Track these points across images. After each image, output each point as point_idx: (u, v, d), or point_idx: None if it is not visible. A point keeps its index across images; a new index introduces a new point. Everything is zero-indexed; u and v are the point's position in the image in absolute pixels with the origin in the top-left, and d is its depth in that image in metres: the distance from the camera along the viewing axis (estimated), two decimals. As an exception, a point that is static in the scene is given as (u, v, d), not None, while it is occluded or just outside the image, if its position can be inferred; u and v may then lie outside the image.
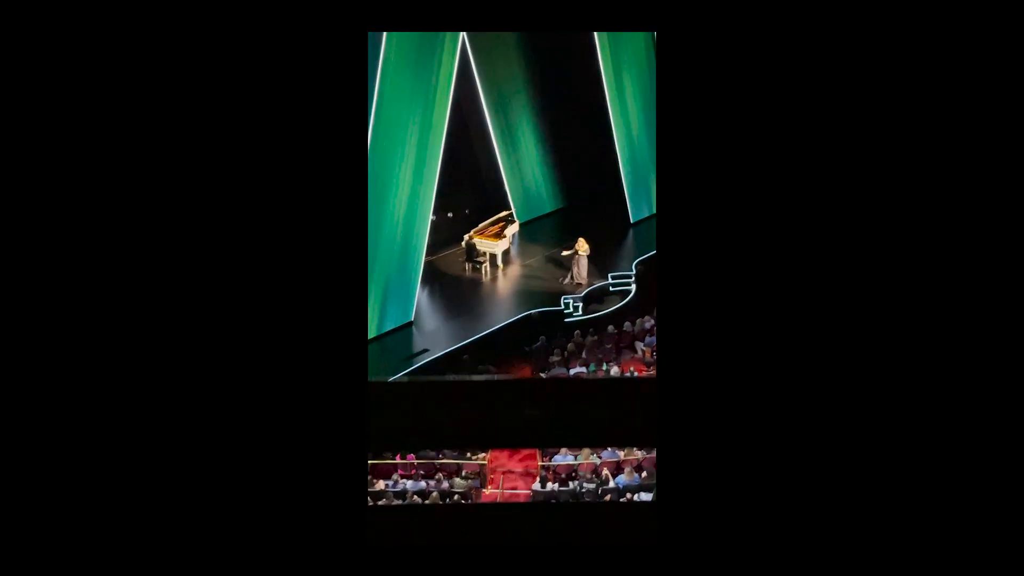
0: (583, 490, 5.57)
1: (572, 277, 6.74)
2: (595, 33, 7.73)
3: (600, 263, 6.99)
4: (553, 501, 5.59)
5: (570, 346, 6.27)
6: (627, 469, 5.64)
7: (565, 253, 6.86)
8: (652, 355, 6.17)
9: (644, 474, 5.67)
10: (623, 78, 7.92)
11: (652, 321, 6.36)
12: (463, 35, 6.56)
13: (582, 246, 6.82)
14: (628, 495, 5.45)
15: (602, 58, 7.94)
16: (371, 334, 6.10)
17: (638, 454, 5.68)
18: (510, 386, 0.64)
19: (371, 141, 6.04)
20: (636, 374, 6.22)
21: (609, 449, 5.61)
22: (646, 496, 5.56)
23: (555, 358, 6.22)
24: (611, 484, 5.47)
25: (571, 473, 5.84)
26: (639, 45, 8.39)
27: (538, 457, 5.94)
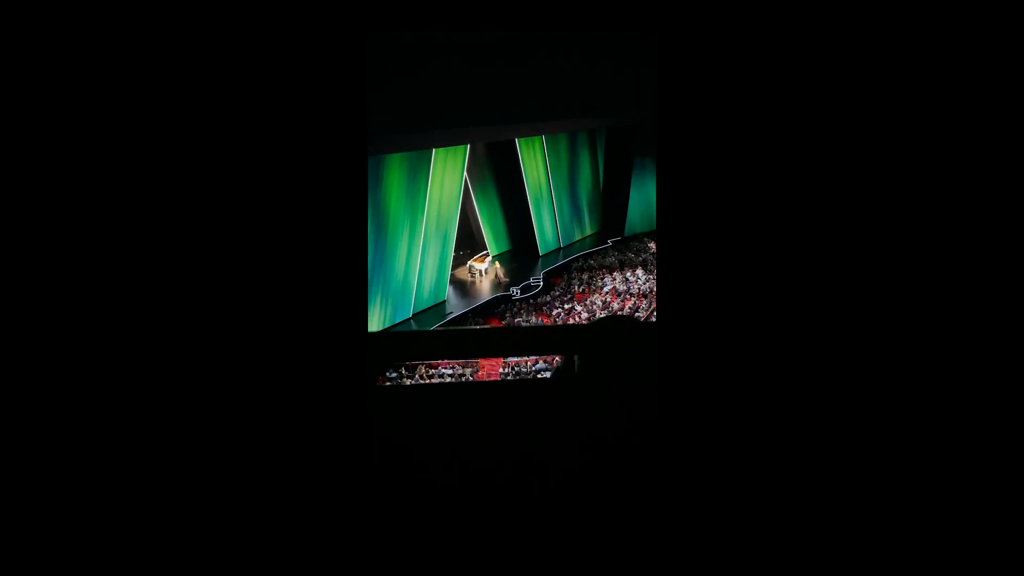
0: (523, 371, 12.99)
1: (486, 277, 13.95)
2: (516, 139, 14.27)
3: (526, 274, 14.62)
4: (510, 379, 12.64)
5: (514, 309, 13.82)
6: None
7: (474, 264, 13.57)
8: (553, 315, 13.88)
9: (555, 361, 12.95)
10: (535, 175, 15.35)
11: (548, 297, 14.06)
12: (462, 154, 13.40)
13: (478, 264, 13.46)
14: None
15: (523, 160, 15.37)
16: (423, 307, 13.12)
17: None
18: (490, 331, 1.26)
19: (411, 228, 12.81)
20: (542, 321, 13.89)
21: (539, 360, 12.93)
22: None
23: (508, 316, 13.76)
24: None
25: (515, 366, 13.25)
26: (552, 145, 15.07)
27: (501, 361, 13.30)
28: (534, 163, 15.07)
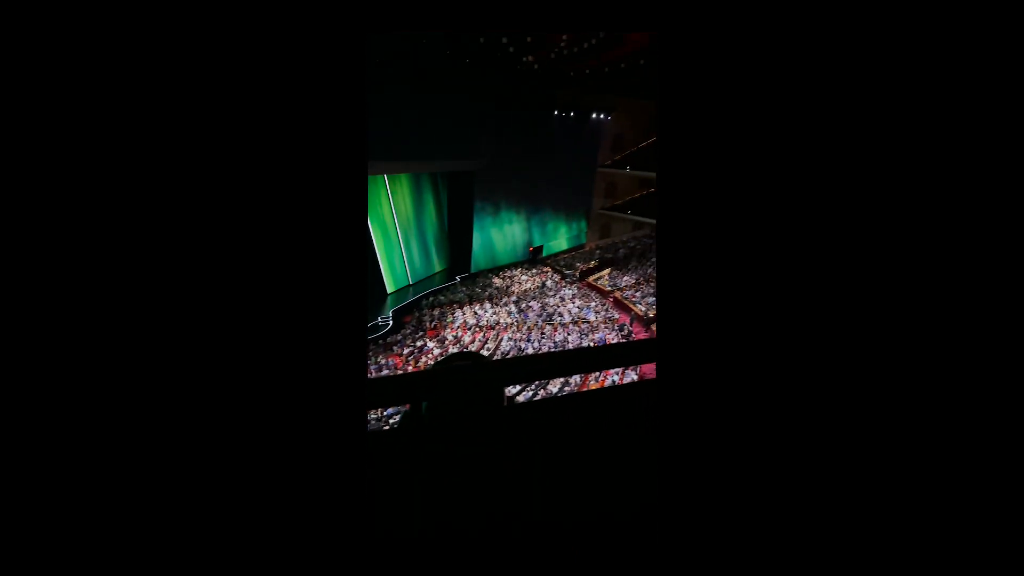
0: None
1: None
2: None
3: (374, 313, 14.04)
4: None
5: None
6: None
7: None
8: (404, 354, 13.50)
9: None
10: (380, 213, 14.89)
11: (399, 336, 13.73)
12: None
13: None
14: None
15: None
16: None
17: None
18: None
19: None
20: (394, 361, 13.41)
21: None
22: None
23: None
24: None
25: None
26: (396, 185, 15.12)
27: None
28: (379, 201, 14.91)
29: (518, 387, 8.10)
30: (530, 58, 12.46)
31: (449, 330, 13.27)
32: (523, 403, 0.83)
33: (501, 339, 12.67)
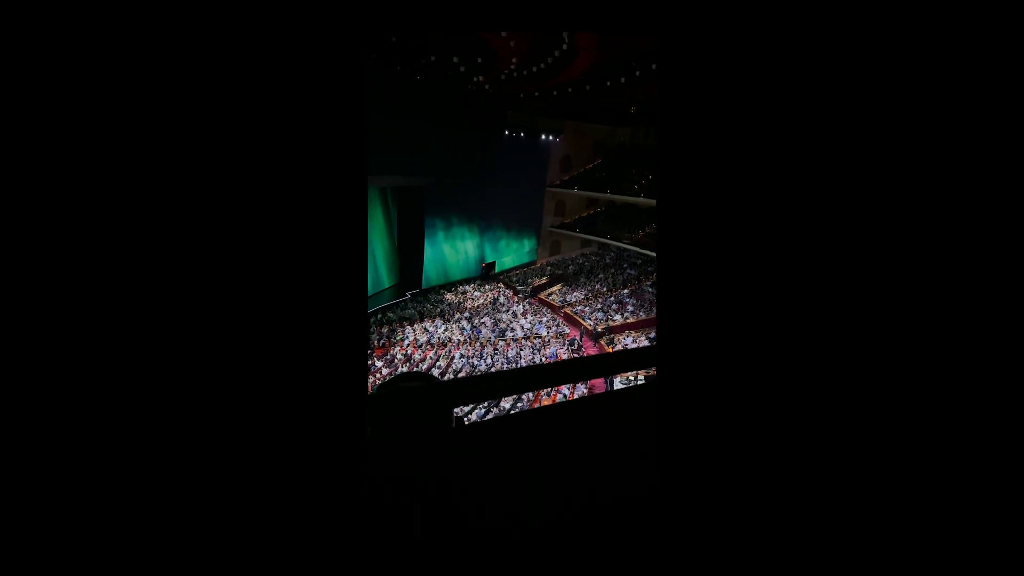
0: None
1: None
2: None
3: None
4: None
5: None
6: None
7: None
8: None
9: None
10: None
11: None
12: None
13: None
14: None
15: None
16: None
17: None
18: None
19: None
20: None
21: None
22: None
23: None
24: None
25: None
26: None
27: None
28: (323, 216, 14.34)
29: (467, 408, 7.93)
30: (481, 79, 12.68)
31: (399, 348, 12.89)
32: (474, 423, 0.80)
33: (453, 356, 12.47)
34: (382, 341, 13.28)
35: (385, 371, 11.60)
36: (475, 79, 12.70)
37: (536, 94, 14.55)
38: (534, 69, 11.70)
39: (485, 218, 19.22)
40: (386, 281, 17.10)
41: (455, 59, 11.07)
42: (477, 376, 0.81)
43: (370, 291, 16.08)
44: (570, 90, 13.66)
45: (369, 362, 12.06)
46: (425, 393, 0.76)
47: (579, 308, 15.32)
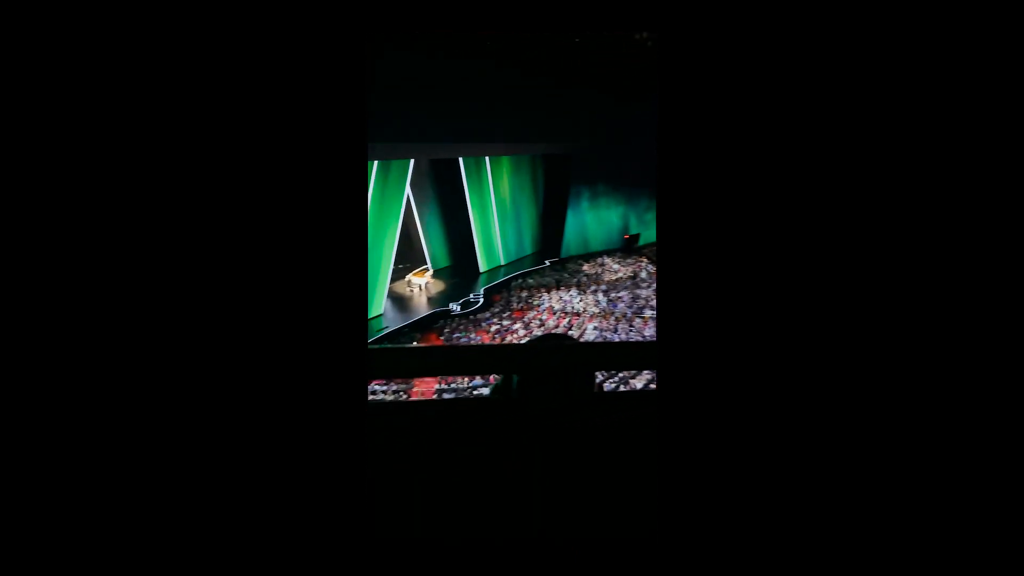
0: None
1: (425, 291, 13.40)
2: (460, 159, 14.37)
3: (466, 290, 14.76)
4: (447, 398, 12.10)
5: (453, 325, 13.80)
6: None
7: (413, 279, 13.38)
8: (491, 331, 14.03)
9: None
10: (478, 194, 15.35)
11: (488, 314, 14.27)
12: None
13: (417, 278, 13.38)
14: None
15: (466, 179, 15.06)
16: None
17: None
18: (427, 349, 0.87)
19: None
20: (480, 338, 13.99)
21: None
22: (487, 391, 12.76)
23: (447, 331, 13.71)
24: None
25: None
26: (496, 166, 15.15)
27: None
28: (477, 182, 15.38)
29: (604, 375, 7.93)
30: (644, 35, 11.71)
31: (535, 313, 13.44)
32: (612, 391, 0.82)
33: (586, 328, 12.52)
34: (520, 305, 14.01)
35: (521, 332, 12.28)
36: (637, 36, 11.77)
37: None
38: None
39: (633, 188, 18.25)
40: (528, 248, 17.73)
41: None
42: (625, 343, 0.84)
43: (514, 256, 16.90)
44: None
45: (507, 322, 12.89)
46: (574, 350, 0.79)
47: (731, 292, 13.70)
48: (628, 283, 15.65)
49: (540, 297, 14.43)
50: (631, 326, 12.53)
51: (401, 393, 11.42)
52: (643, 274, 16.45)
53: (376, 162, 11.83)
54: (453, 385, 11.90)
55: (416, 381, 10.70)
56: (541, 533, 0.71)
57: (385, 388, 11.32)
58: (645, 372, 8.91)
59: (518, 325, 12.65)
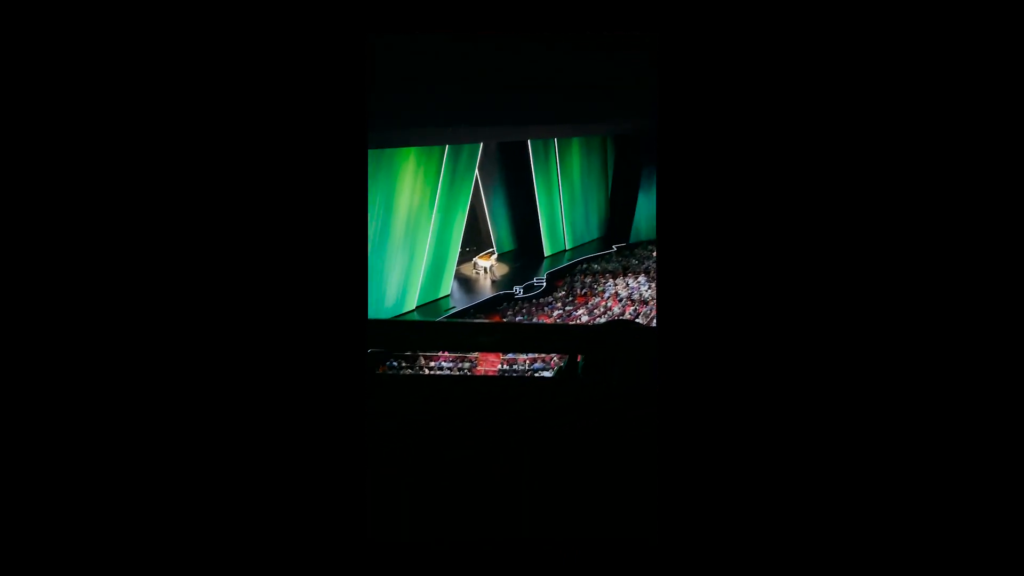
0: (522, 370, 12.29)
1: (490, 274, 13.85)
2: (529, 142, 14.53)
3: (530, 274, 14.84)
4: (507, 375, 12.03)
5: (516, 308, 14.00)
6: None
7: (479, 262, 13.83)
8: (554, 316, 14.04)
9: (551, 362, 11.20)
10: (545, 177, 15.39)
11: (550, 297, 14.26)
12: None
13: (483, 261, 13.78)
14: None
15: (533, 162, 15.41)
16: (427, 300, 13.34)
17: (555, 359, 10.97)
18: (491, 325, 0.87)
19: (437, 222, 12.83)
20: (543, 321, 14.06)
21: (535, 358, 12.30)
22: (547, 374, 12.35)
23: (511, 313, 13.95)
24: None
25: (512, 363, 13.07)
26: (564, 148, 15.10)
27: (500, 357, 13.36)
28: (544, 165, 15.24)
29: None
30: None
31: (599, 299, 13.19)
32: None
33: (652, 317, 12.07)
34: (584, 291, 13.81)
35: (584, 318, 12.13)
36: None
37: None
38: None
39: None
40: (595, 232, 17.33)
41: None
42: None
43: (578, 241, 16.64)
44: None
45: (570, 308, 12.78)
46: (639, 338, 0.81)
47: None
48: (701, 270, 14.72)
49: (605, 283, 14.11)
50: (702, 316, 11.82)
51: (466, 370, 11.85)
52: (718, 261, 15.36)
53: (448, 147, 12.09)
54: (514, 366, 12.13)
55: (479, 358, 11.10)
56: (530, 534, 0.71)
57: (451, 365, 11.82)
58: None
59: (581, 311, 12.51)
